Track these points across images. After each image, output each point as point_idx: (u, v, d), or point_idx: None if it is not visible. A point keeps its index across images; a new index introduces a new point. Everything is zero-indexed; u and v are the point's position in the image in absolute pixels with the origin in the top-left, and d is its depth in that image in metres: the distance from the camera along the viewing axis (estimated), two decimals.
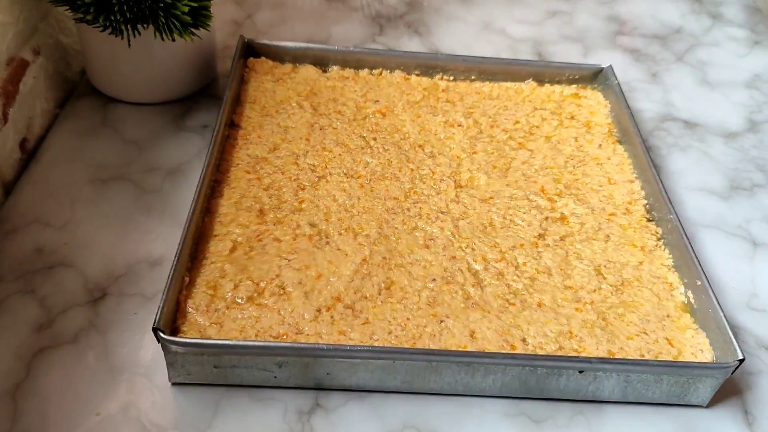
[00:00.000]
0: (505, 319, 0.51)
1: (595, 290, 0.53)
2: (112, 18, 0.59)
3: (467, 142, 0.65)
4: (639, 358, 0.49)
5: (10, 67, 0.61)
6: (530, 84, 0.73)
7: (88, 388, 0.47)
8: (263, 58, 0.71)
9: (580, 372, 0.47)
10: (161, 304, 0.46)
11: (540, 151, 0.65)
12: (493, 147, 0.65)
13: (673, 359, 0.49)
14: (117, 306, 0.52)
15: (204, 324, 0.48)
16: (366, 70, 0.72)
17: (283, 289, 0.51)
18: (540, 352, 0.49)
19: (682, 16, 0.93)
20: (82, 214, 0.59)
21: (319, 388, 0.49)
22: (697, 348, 0.50)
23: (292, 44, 0.72)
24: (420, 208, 0.58)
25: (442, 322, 0.50)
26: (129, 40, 0.62)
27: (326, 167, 0.61)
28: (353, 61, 0.72)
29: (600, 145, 0.67)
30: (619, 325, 0.51)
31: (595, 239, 0.57)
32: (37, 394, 0.47)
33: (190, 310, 0.49)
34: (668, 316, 0.52)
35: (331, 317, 0.50)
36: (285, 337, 0.48)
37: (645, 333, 0.51)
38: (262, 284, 0.51)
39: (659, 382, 0.48)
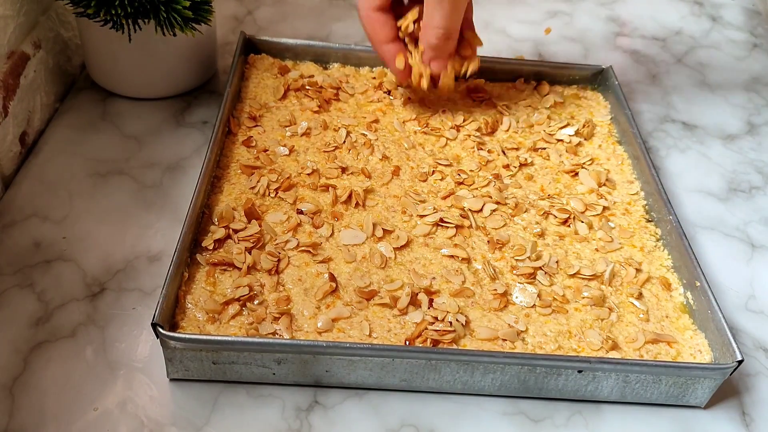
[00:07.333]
0: (504, 317, 0.51)
1: (594, 290, 0.53)
2: (113, 12, 0.59)
3: (467, 141, 0.65)
4: (638, 358, 0.49)
5: (11, 60, 0.60)
6: (531, 84, 0.73)
7: (85, 383, 0.47)
8: (264, 55, 0.71)
9: (579, 372, 0.47)
10: (160, 300, 0.46)
11: (540, 150, 0.65)
12: (492, 146, 0.65)
13: (671, 360, 0.50)
14: (115, 301, 0.52)
15: (203, 320, 0.48)
16: (367, 68, 0.72)
17: (283, 285, 0.51)
18: (539, 352, 0.49)
19: (682, 18, 0.93)
20: (81, 209, 0.58)
21: (318, 385, 0.49)
22: (696, 349, 0.50)
23: (293, 41, 0.71)
24: (420, 206, 0.58)
25: (441, 320, 0.50)
26: (129, 35, 0.62)
27: (326, 164, 0.61)
28: (354, 58, 0.72)
29: (600, 146, 0.67)
30: (618, 325, 0.51)
31: (594, 239, 0.58)
32: (34, 389, 0.47)
33: (189, 305, 0.49)
34: (667, 317, 0.52)
35: (330, 314, 0.49)
36: (284, 334, 0.48)
37: (644, 333, 0.51)
38: (262, 281, 0.51)
39: (658, 382, 0.48)
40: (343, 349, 0.46)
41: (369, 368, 0.47)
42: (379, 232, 0.55)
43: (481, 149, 0.64)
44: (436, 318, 0.50)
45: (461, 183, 0.61)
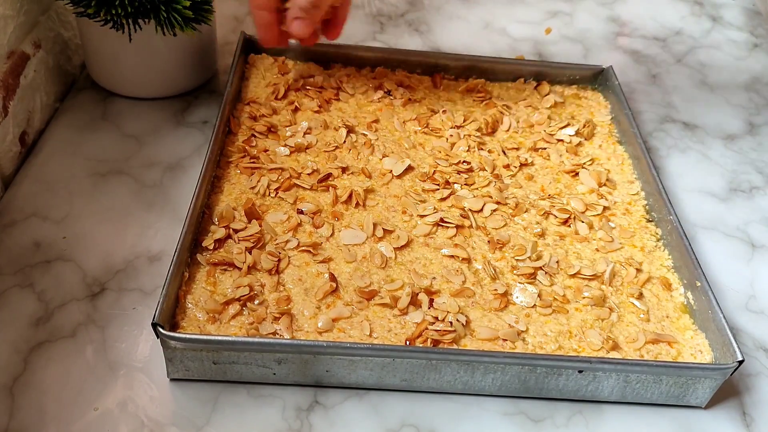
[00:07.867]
0: (505, 317, 0.51)
1: (594, 290, 0.53)
2: (113, 12, 0.59)
3: (467, 141, 0.65)
4: (638, 358, 0.49)
5: (11, 60, 0.60)
6: (531, 84, 0.73)
7: (86, 383, 0.47)
8: (264, 55, 0.71)
9: (580, 372, 0.47)
10: (160, 300, 0.46)
11: (540, 150, 0.65)
12: (492, 146, 0.65)
13: (672, 360, 0.50)
14: (116, 301, 0.52)
15: (203, 320, 0.48)
16: (367, 68, 0.72)
17: (283, 285, 0.51)
18: (539, 352, 0.49)
19: (682, 18, 0.93)
20: (81, 209, 0.58)
21: (318, 385, 0.49)
22: (696, 349, 0.50)
23: (293, 41, 0.71)
24: (420, 206, 0.58)
25: (442, 320, 0.50)
26: (130, 35, 0.61)
27: (326, 164, 0.61)
28: (354, 58, 0.72)
29: (600, 146, 0.67)
30: (618, 325, 0.51)
31: (594, 239, 0.57)
32: (34, 389, 0.47)
33: (190, 305, 0.49)
34: (668, 317, 0.52)
35: (331, 314, 0.49)
36: (284, 334, 0.48)
37: (644, 333, 0.51)
38: (262, 280, 0.51)
39: (658, 382, 0.48)
40: (343, 349, 0.46)
41: (369, 368, 0.47)
42: (379, 232, 0.55)
43: (482, 149, 0.64)
44: (436, 318, 0.50)
45: (461, 183, 0.61)
